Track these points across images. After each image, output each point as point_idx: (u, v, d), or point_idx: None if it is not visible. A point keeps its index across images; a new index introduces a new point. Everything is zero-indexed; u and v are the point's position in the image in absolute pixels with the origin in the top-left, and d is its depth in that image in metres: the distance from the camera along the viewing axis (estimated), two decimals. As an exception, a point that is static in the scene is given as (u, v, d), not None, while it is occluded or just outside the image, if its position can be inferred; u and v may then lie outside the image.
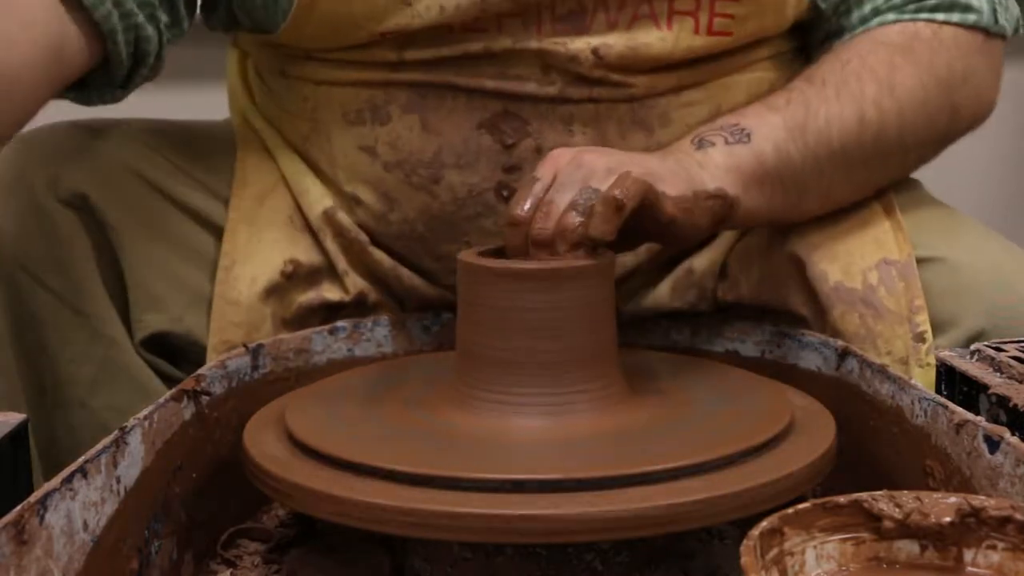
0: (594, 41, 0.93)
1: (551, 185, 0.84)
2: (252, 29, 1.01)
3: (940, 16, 0.98)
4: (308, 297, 1.00)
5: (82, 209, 0.95)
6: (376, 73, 0.96)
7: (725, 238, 1.02)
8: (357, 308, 1.02)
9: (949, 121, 1.00)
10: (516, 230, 0.83)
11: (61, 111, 1.07)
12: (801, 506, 0.60)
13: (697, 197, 0.86)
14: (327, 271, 1.01)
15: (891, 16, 0.99)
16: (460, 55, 0.94)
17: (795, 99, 0.95)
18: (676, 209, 0.84)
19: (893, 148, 0.98)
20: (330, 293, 1.01)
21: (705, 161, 0.90)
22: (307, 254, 1.01)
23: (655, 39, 0.94)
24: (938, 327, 0.93)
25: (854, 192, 0.99)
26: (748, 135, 0.92)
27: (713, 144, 0.92)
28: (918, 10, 0.98)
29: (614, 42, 0.93)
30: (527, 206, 0.83)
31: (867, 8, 1.00)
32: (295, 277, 1.00)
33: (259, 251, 1.00)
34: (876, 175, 0.99)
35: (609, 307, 0.83)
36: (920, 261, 0.96)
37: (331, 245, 1.01)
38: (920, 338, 0.92)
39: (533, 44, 0.93)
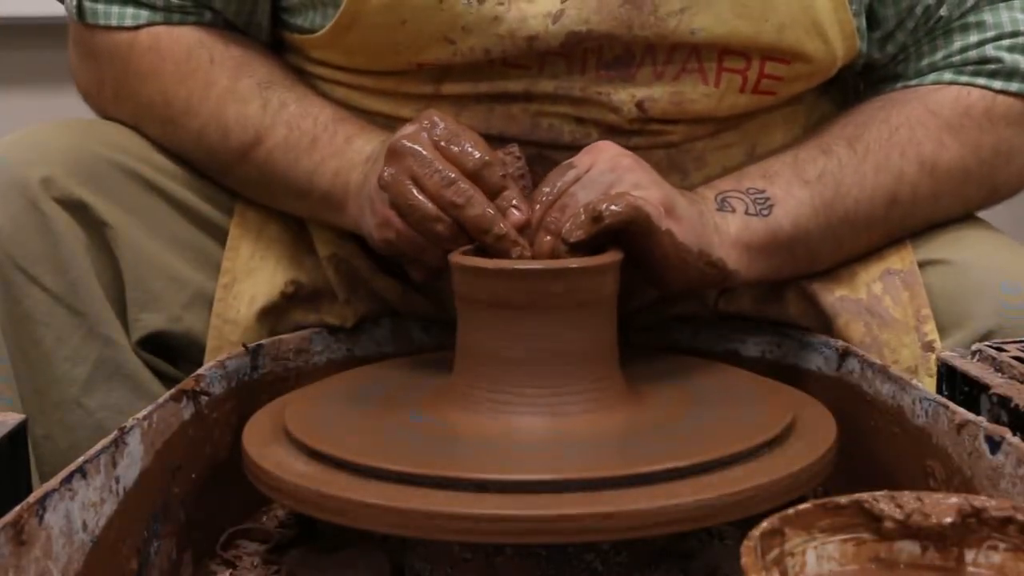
0: (639, 93, 0.92)
1: (582, 177, 0.85)
2: (292, 27, 1.00)
3: (997, 84, 0.97)
4: (308, 319, 1.00)
5: (78, 208, 0.95)
6: (410, 109, 0.94)
7: None
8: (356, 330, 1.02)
9: (984, 199, 1.01)
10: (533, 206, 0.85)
11: (60, 110, 1.07)
12: (802, 506, 0.60)
13: (700, 255, 0.87)
14: (329, 294, 1.01)
15: (947, 75, 0.99)
16: (500, 93, 0.93)
17: (829, 172, 0.94)
18: (672, 248, 0.84)
19: (919, 222, 0.98)
20: (330, 317, 1.00)
21: (721, 226, 0.91)
22: (310, 275, 1.00)
23: (700, 95, 0.93)
24: (946, 328, 0.93)
25: (870, 250, 0.99)
26: (770, 206, 0.92)
27: (733, 210, 0.91)
28: (976, 73, 0.98)
29: (659, 96, 0.92)
30: (553, 191, 0.85)
31: (924, 62, 1.00)
32: (296, 298, 1.00)
33: (262, 269, 0.99)
34: (896, 236, 0.99)
35: (610, 307, 0.83)
36: (928, 263, 0.96)
37: (333, 277, 1.00)
38: (929, 347, 0.92)
39: (576, 91, 0.92)
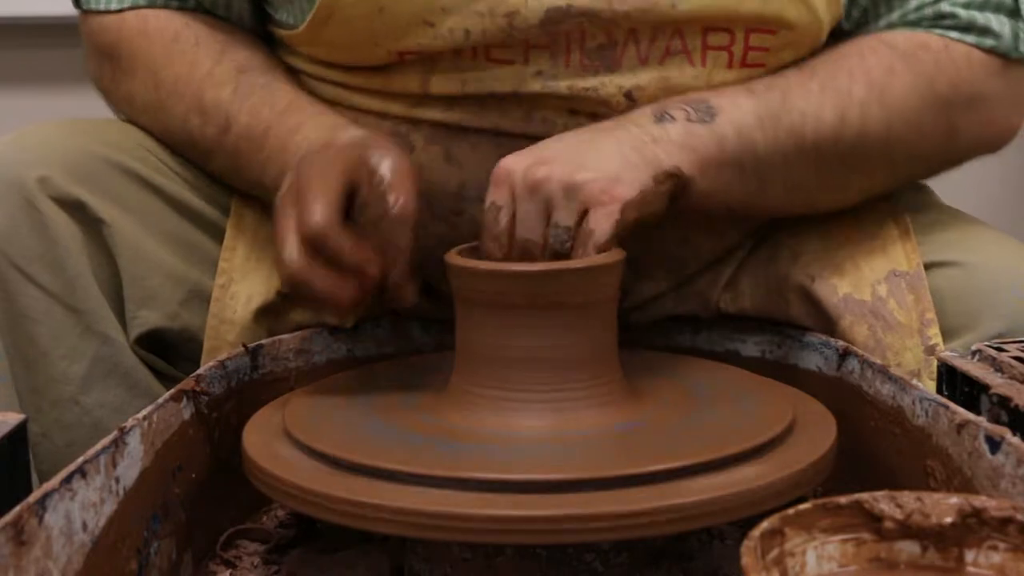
0: (626, 83, 0.91)
1: (513, 217, 0.83)
2: (276, 22, 1.00)
3: (954, 35, 0.96)
4: (306, 318, 1.00)
5: (75, 206, 0.95)
6: (399, 106, 0.94)
7: (733, 252, 1.01)
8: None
9: (946, 142, 0.97)
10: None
11: (60, 110, 1.07)
12: (802, 506, 0.60)
13: (656, 183, 0.85)
14: None
15: (902, 29, 0.97)
16: (488, 93, 0.92)
17: (776, 86, 0.92)
18: (636, 212, 0.84)
19: (877, 156, 0.95)
20: (330, 316, 1.00)
21: (660, 136, 0.88)
22: None
23: (689, 77, 0.91)
24: (955, 331, 0.92)
25: (834, 194, 0.97)
26: (713, 114, 0.89)
27: (673, 119, 0.89)
28: (932, 26, 0.96)
29: (646, 83, 0.91)
30: (499, 249, 0.84)
31: (882, 23, 0.98)
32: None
33: (259, 269, 0.99)
34: (858, 180, 0.97)
35: (610, 307, 0.83)
36: (935, 265, 0.95)
37: None
38: (932, 351, 0.91)
39: (563, 90, 0.91)
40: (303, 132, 0.93)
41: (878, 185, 0.99)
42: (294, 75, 1.01)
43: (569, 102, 0.91)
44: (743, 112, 0.90)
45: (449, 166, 0.94)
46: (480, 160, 0.92)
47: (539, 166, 0.84)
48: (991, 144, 1.00)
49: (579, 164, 0.84)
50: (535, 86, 0.91)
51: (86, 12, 1.04)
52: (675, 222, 0.94)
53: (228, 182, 1.02)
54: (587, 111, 0.92)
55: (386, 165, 0.84)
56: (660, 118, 0.89)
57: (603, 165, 0.84)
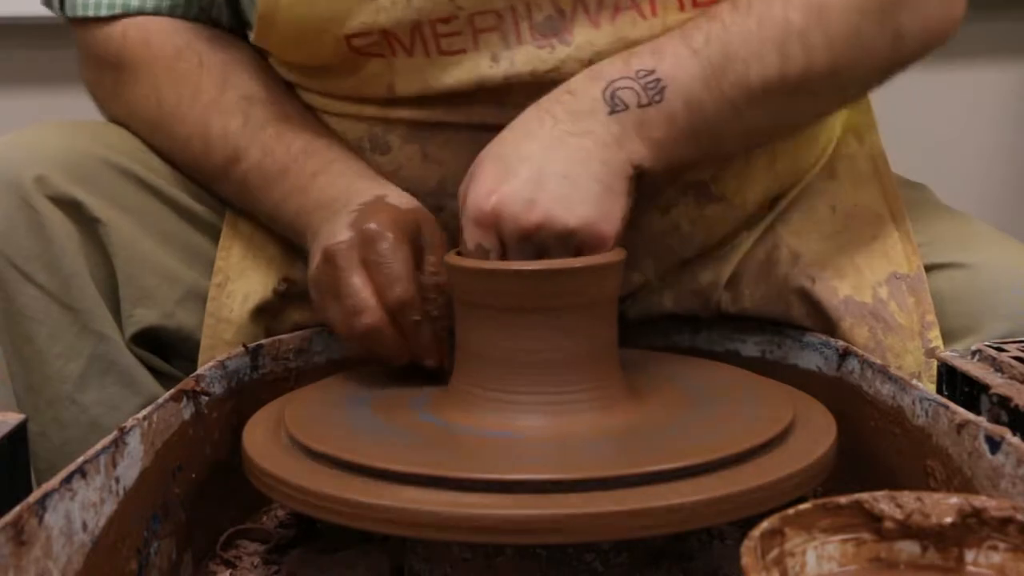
0: (585, 56, 0.88)
1: (501, 259, 0.83)
2: (247, 24, 1.00)
3: None
4: (304, 317, 1.00)
5: (71, 206, 0.95)
6: (373, 108, 0.94)
7: (734, 251, 1.00)
8: None
9: (891, 50, 0.92)
10: None
11: (60, 110, 1.07)
12: (802, 507, 0.60)
13: (630, 196, 0.85)
14: None
15: None
16: (452, 91, 0.91)
17: (716, 35, 0.88)
18: (623, 233, 0.84)
19: (823, 84, 0.91)
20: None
21: (619, 133, 0.86)
22: (304, 272, 1.00)
23: (644, 30, 0.89)
24: (958, 333, 0.92)
25: (781, 127, 0.95)
26: (662, 89, 0.86)
27: (626, 107, 0.86)
28: None
29: (604, 46, 0.88)
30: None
31: None
32: (289, 295, 1.00)
33: (255, 268, 1.00)
34: (807, 109, 0.94)
35: (611, 307, 0.83)
36: (937, 267, 0.95)
37: None
38: (932, 353, 0.91)
39: (526, 76, 0.89)
40: (320, 180, 0.94)
41: (825, 108, 0.96)
42: (290, 89, 1.00)
43: (537, 88, 0.89)
44: (689, 76, 0.87)
45: (427, 164, 0.94)
46: (457, 156, 0.92)
47: (528, 212, 0.82)
48: (937, 39, 0.94)
49: (563, 203, 0.82)
50: (497, 76, 0.90)
51: (74, 20, 1.02)
52: (657, 210, 0.93)
53: (231, 205, 1.02)
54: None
55: (432, 247, 0.89)
56: (613, 107, 0.86)
57: (586, 196, 0.83)
